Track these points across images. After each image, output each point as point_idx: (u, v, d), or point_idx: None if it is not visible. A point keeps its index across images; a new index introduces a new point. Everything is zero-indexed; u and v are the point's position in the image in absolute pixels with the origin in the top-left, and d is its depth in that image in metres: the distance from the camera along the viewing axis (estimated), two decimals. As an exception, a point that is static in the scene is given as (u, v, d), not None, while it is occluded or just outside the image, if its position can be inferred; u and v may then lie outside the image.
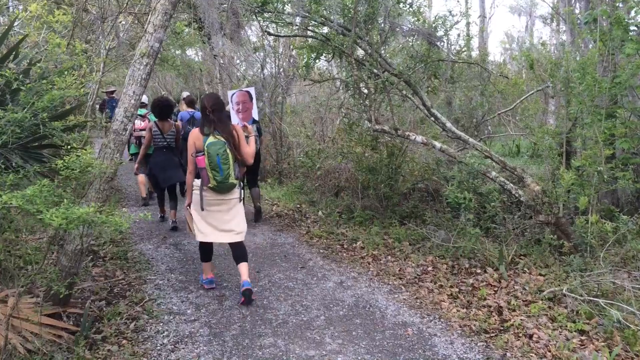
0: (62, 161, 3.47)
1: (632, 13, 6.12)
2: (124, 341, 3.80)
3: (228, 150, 4.42)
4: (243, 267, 4.61)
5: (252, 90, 5.83)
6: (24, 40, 5.51)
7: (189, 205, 4.76)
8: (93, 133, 10.83)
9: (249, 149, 4.73)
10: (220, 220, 4.66)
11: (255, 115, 5.81)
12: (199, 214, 4.65)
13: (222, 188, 4.53)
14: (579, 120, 5.95)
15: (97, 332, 3.89)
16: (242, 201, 4.80)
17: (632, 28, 5.78)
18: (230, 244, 4.73)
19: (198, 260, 5.69)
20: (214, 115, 4.48)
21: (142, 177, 8.36)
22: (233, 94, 5.71)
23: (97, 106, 11.77)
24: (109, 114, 10.34)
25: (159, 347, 3.75)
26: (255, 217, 7.50)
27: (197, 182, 4.60)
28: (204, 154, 4.40)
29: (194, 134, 4.54)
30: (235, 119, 5.48)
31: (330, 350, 3.72)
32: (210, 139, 4.40)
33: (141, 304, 4.50)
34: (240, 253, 4.70)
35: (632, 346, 3.60)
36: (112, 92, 10.75)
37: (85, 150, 3.62)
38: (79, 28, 7.76)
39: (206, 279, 4.95)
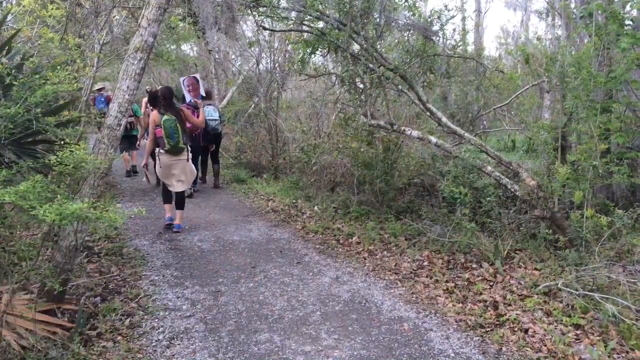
0: (55, 157, 3.45)
1: (628, 7, 6.12)
2: (119, 337, 3.79)
3: (178, 124, 6.33)
4: (178, 213, 6.72)
5: (197, 75, 8.30)
6: (16, 35, 5.46)
7: (146, 164, 6.96)
8: (87, 128, 10.87)
9: (196, 120, 7.13)
10: (174, 175, 6.55)
11: (202, 92, 7.98)
12: (159, 171, 6.59)
13: (174, 150, 6.42)
14: (575, 115, 5.95)
15: (92, 328, 3.87)
16: (188, 161, 6.63)
17: (627, 22, 5.77)
18: (176, 192, 6.65)
19: (194, 257, 5.72)
20: (165, 102, 6.41)
21: (125, 155, 10.77)
22: (184, 79, 8.03)
23: (91, 102, 11.85)
24: (103, 110, 10.58)
25: (154, 343, 3.74)
26: (215, 185, 9.78)
27: (157, 149, 6.50)
28: (160, 127, 6.30)
29: (154, 114, 6.45)
30: (188, 97, 7.64)
31: (326, 345, 3.72)
32: (165, 116, 6.28)
33: (136, 300, 4.48)
34: (180, 201, 6.74)
35: (627, 340, 3.61)
36: (101, 89, 11.09)
37: (79, 145, 3.59)
38: (73, 23, 7.70)
39: (167, 217, 6.79)
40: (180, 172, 6.56)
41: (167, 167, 6.49)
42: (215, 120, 9.18)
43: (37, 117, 3.84)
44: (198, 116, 7.45)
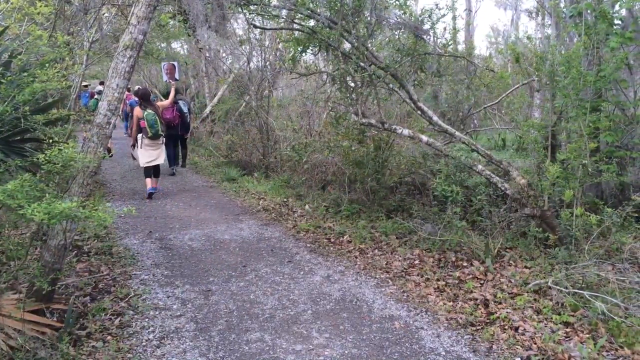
0: (44, 155, 3.41)
1: (617, 7, 6.16)
2: (109, 337, 3.76)
3: (156, 117, 8.41)
4: (155, 180, 8.77)
5: (175, 63, 10.05)
6: (4, 32, 5.40)
7: (134, 145, 8.81)
8: (77, 126, 10.91)
9: (164, 103, 9.76)
10: (152, 155, 8.61)
11: (177, 76, 9.88)
12: (141, 152, 8.60)
13: (155, 136, 8.49)
14: (564, 114, 5.98)
15: (81, 328, 3.84)
16: (163, 144, 8.85)
17: (616, 22, 5.82)
18: (153, 166, 8.71)
19: (184, 256, 5.69)
20: (146, 101, 8.52)
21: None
22: (164, 64, 9.84)
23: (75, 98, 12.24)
24: (89, 106, 11.42)
25: (144, 343, 3.72)
26: (182, 164, 11.33)
27: (140, 135, 8.52)
28: (144, 120, 8.33)
29: (137, 110, 8.47)
30: (165, 77, 9.73)
31: (317, 344, 3.71)
32: (147, 111, 8.35)
33: (126, 299, 4.45)
34: (157, 172, 8.87)
35: (616, 337, 3.64)
36: (86, 86, 11.91)
37: (67, 144, 3.56)
38: (61, 20, 7.64)
39: (149, 188, 8.64)
40: (158, 152, 8.73)
41: (149, 148, 8.59)
42: (185, 113, 10.78)
43: (25, 115, 3.80)
44: (173, 110, 9.99)
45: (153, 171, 8.75)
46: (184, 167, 11.53)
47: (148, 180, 8.72)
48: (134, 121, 8.64)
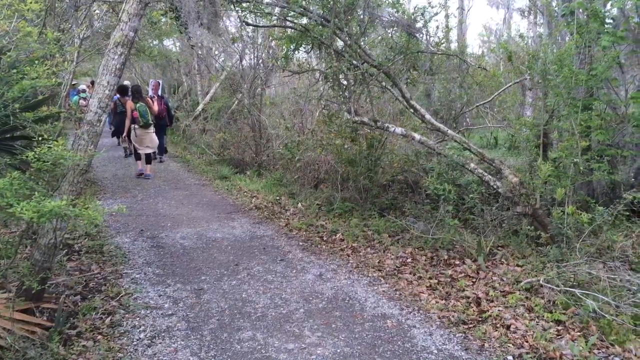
0: (33, 153, 3.38)
1: (608, 6, 6.19)
2: (100, 336, 3.73)
3: (147, 108, 9.66)
4: (149, 167, 10.23)
5: (161, 81, 12.26)
6: (-7, 29, 5.34)
7: (129, 134, 9.97)
8: (68, 124, 10.90)
9: (155, 108, 10.31)
10: (144, 142, 9.90)
11: (159, 92, 11.44)
12: (134, 139, 9.85)
13: (145, 125, 9.76)
14: (556, 112, 6.00)
15: (71, 327, 3.80)
16: (153, 133, 10.03)
17: (608, 21, 5.84)
18: (146, 154, 10.08)
19: (176, 254, 5.67)
20: (137, 95, 9.76)
21: None
22: (152, 81, 11.77)
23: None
24: (75, 103, 12.68)
25: (135, 342, 3.69)
26: (161, 152, 12.47)
27: (133, 125, 9.73)
28: (136, 111, 9.58)
29: (130, 103, 9.75)
30: (151, 93, 11.27)
31: (310, 343, 3.70)
32: (139, 103, 9.61)
33: (117, 298, 4.42)
34: (148, 159, 10.24)
35: (607, 335, 3.65)
36: (75, 84, 13.21)
37: (57, 142, 3.52)
38: (52, 16, 7.56)
39: (139, 169, 10.21)
40: (149, 140, 9.96)
41: (140, 137, 9.84)
42: (170, 106, 12.37)
43: (14, 113, 3.76)
44: (161, 104, 11.42)
45: (146, 158, 10.17)
46: (165, 153, 13.15)
47: (139, 162, 10.26)
48: (127, 112, 9.84)
